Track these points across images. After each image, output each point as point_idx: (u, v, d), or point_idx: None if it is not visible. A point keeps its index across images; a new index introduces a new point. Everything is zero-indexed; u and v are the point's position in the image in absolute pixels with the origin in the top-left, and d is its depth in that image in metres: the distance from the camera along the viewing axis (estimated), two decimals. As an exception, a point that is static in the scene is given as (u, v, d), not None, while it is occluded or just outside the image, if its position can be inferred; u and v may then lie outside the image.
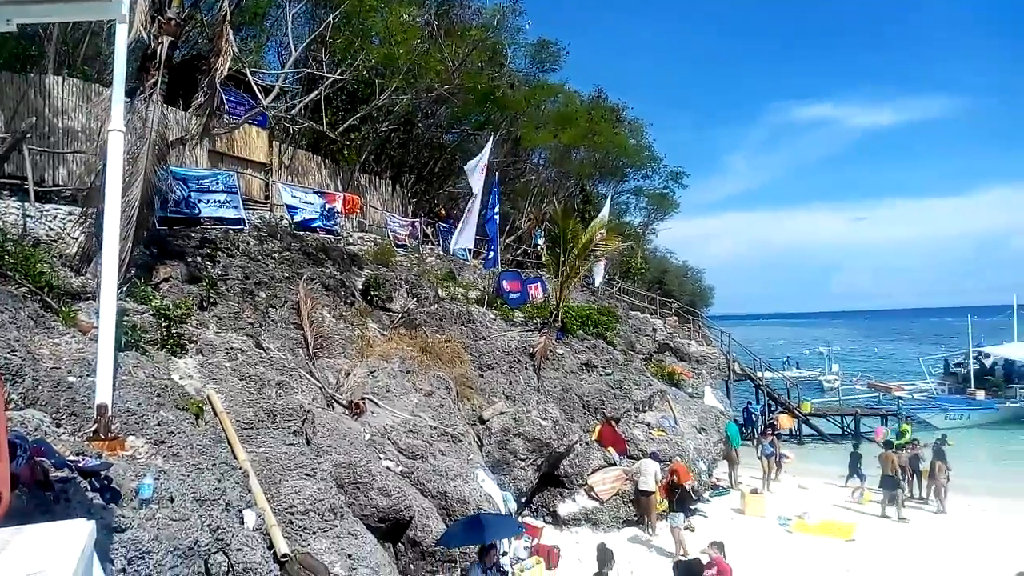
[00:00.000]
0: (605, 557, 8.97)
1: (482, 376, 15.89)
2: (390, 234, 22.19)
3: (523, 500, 14.27)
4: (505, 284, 21.89)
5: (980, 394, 33.33)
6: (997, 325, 40.97)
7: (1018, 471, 23.12)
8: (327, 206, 18.99)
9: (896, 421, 29.63)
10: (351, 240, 20.44)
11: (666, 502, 13.99)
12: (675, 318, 33.77)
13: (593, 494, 14.77)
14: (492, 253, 23.79)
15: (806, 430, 29.91)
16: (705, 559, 9.58)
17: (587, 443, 15.79)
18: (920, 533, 15.68)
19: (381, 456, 10.53)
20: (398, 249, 21.35)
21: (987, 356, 36.78)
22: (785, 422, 26.10)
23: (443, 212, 28.86)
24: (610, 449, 15.98)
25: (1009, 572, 8.56)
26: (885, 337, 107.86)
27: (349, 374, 12.82)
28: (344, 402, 11.84)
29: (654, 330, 26.58)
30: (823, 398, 38.59)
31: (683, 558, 9.06)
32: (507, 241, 30.29)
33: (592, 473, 15.13)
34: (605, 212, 26.79)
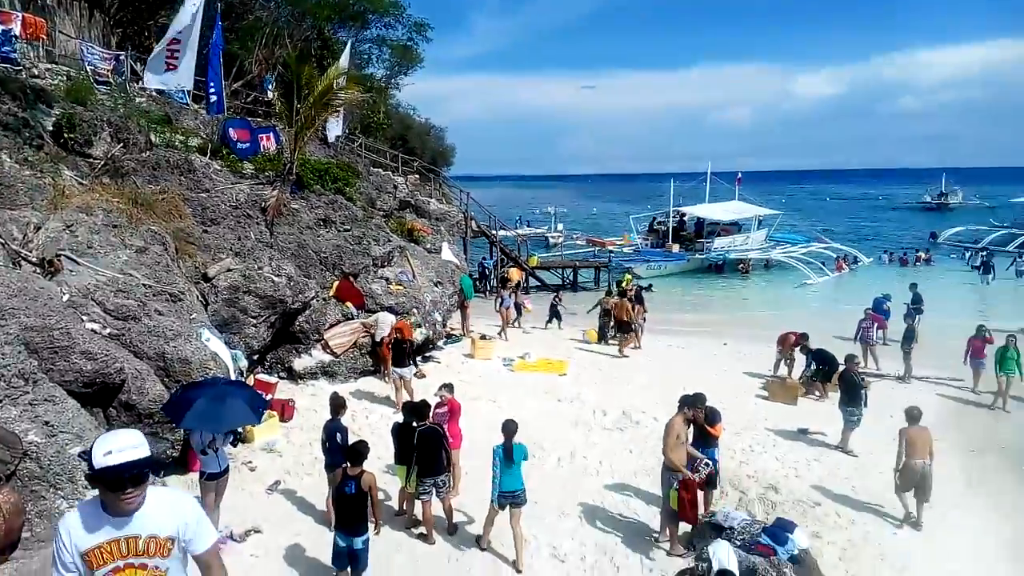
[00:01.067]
0: (337, 403, 9.16)
1: (206, 232, 14.73)
2: (88, 68, 18.92)
3: (255, 358, 13.92)
4: (232, 132, 20.01)
5: (676, 248, 38.71)
6: (693, 189, 47.05)
7: (699, 313, 27.54)
8: (1, 28, 15.61)
9: (607, 272, 33.47)
10: (36, 72, 17.12)
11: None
12: (417, 176, 33.81)
13: (329, 348, 14.85)
14: (216, 97, 21.49)
15: (532, 282, 32.63)
16: (437, 400, 10.20)
17: (324, 299, 15.64)
18: (621, 365, 18.19)
19: (84, 318, 9.45)
20: (99, 87, 18.31)
21: (684, 215, 42.37)
22: (515, 275, 28.10)
23: (155, 46, 25.13)
24: (348, 304, 16.01)
25: (682, 390, 10.33)
26: (603, 198, 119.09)
27: (39, 228, 11.08)
28: (34, 259, 10.28)
29: (395, 187, 26.39)
30: (548, 253, 42.12)
31: (411, 400, 9.57)
32: (235, 86, 27.45)
33: (329, 328, 15.13)
34: (344, 60, 25.23)
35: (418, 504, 9.03)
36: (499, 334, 20.55)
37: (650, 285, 23.49)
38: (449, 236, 25.78)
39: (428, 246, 22.73)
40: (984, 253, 38.09)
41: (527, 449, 8.49)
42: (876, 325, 18.66)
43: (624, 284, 24.18)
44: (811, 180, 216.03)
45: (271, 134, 21.70)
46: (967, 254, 41.73)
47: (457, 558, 8.57)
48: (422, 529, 8.97)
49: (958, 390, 16.28)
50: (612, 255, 37.84)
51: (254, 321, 13.35)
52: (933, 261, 40.77)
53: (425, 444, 8.61)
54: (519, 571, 8.32)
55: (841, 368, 13.45)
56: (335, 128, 26.32)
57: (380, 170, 26.97)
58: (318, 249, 16.61)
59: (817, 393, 15.49)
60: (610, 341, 20.62)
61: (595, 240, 46.39)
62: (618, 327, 19.53)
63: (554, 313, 23.10)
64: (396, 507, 9.64)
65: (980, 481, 11.55)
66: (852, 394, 12.47)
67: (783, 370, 16.95)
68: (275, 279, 13.88)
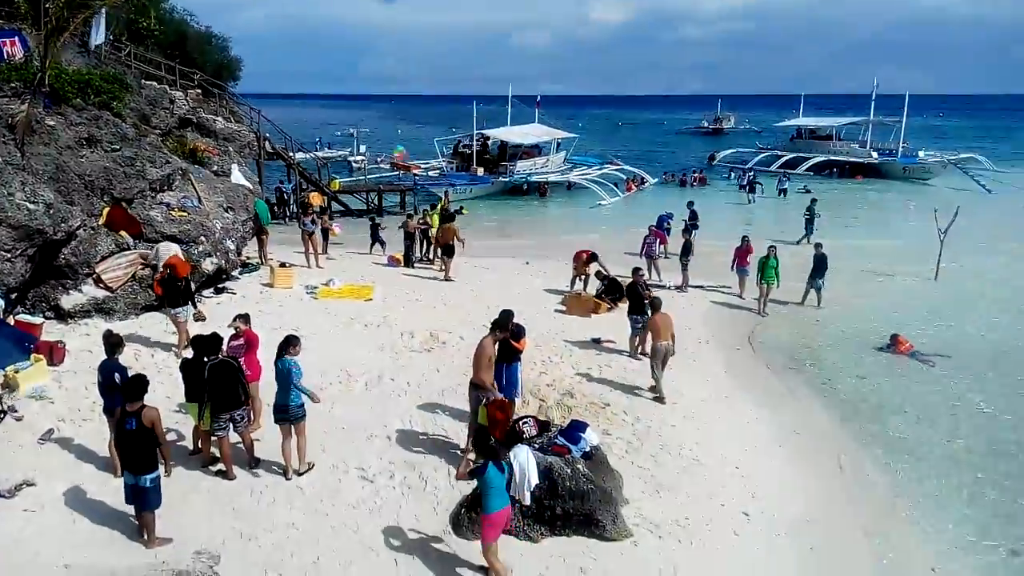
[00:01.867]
0: (113, 341, 8.35)
1: (-64, 152, 12.51)
2: None
3: (14, 296, 12.28)
4: (-37, 35, 16.93)
5: (480, 171, 39.07)
6: (495, 112, 47.40)
7: (503, 234, 28.24)
8: None
9: (412, 196, 33.17)
10: None
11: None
12: (199, 91, 30.79)
13: (103, 283, 13.43)
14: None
15: (335, 207, 31.52)
16: (232, 331, 9.67)
17: (93, 228, 14.02)
18: (427, 287, 18.29)
19: None
20: None
21: (488, 138, 42.69)
22: (316, 200, 27.01)
23: None
24: (123, 233, 14.50)
25: (487, 309, 10.66)
26: (407, 120, 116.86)
27: None
28: None
29: (173, 103, 23.93)
30: (352, 177, 40.80)
31: (199, 335, 8.94)
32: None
33: (101, 260, 13.65)
34: (100, -46, 22.01)
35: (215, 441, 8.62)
36: (311, 261, 19.61)
37: (460, 208, 23.62)
38: (239, 158, 24.04)
39: (215, 168, 21.04)
40: (750, 174, 42.36)
41: (294, 365, 8.27)
42: (659, 240, 20.31)
43: (440, 206, 24.05)
44: (605, 105, 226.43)
45: (16, 39, 18.58)
46: (733, 174, 46.26)
47: (260, 491, 8.34)
48: (220, 466, 8.60)
49: (727, 296, 18.33)
50: (417, 179, 37.43)
51: (7, 255, 11.71)
52: (708, 181, 44.75)
53: (217, 378, 8.17)
54: (298, 473, 8.56)
55: (627, 281, 14.53)
56: (96, 33, 23.12)
57: (155, 83, 24.20)
58: (82, 172, 14.73)
59: (608, 305, 16.65)
60: (415, 264, 20.66)
61: (400, 164, 45.55)
62: (444, 251, 19.40)
63: (376, 238, 22.54)
64: (191, 446, 9.14)
65: (742, 374, 13.22)
66: (637, 304, 13.55)
67: (578, 285, 17.99)
68: (30, 206, 12.18)
